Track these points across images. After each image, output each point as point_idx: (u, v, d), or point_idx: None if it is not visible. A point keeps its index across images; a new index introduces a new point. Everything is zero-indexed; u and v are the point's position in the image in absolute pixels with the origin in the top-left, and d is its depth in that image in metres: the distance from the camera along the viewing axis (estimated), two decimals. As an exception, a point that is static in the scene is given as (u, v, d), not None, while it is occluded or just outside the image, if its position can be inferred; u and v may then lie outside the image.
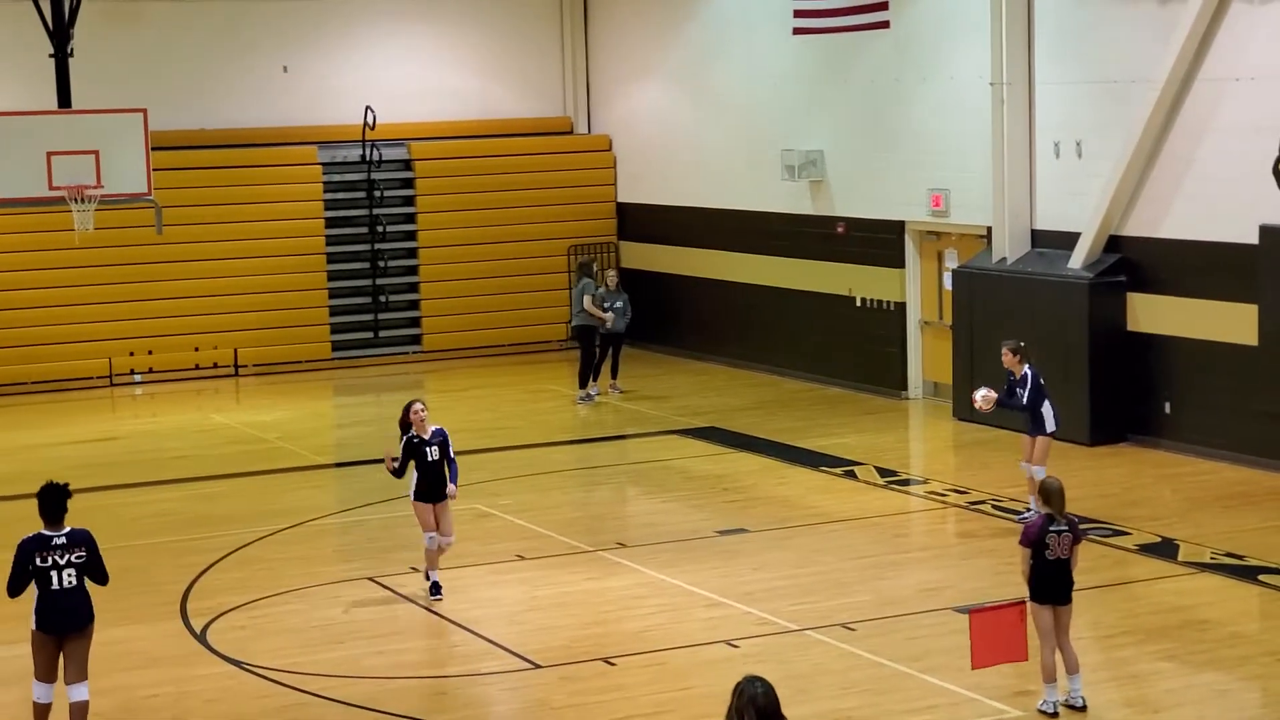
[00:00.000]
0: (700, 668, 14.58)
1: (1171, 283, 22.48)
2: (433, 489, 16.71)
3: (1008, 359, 19.05)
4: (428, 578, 16.84)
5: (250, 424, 26.37)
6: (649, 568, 17.72)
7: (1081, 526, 13.89)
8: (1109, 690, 13.85)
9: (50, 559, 12.82)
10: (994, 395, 19.02)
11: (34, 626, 12.93)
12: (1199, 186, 21.99)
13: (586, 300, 27.12)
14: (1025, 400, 18.83)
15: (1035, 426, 18.91)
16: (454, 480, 16.79)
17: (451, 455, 16.81)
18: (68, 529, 12.96)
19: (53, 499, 12.94)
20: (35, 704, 13.05)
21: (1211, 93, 21.69)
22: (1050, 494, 13.43)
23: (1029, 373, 18.92)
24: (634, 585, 17.19)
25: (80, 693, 12.96)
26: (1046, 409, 18.91)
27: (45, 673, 12.98)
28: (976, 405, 19.33)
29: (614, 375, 27.79)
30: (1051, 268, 23.59)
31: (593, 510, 20.91)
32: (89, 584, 13.09)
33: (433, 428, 16.73)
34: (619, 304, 27.41)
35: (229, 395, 29.48)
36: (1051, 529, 13.31)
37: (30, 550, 12.85)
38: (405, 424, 16.75)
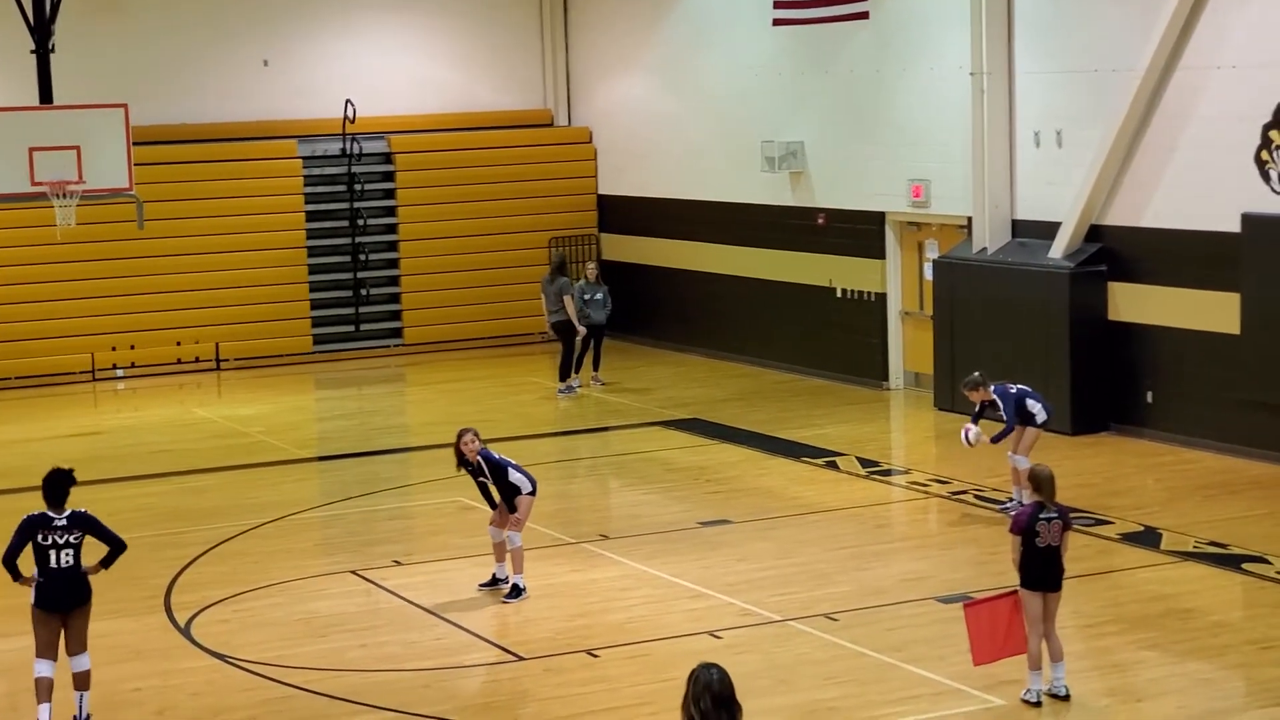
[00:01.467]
0: (684, 659, 14.55)
1: (1153, 272, 22.52)
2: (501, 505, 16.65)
3: (974, 396, 19.05)
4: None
5: (232, 418, 26.35)
6: (632, 559, 17.74)
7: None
8: (1092, 679, 13.88)
9: (50, 538, 13.34)
10: (982, 435, 19.00)
11: (33, 603, 13.38)
12: (1180, 175, 22.02)
13: (568, 302, 27.09)
14: (1007, 420, 18.83)
15: (1024, 419, 18.93)
16: (518, 491, 16.41)
17: (501, 478, 16.44)
18: (69, 511, 13.49)
19: (57, 484, 13.52)
20: (37, 679, 13.31)
21: (1193, 81, 21.73)
22: (1041, 481, 13.43)
23: (997, 395, 18.94)
24: (617, 577, 17.21)
25: (83, 663, 13.47)
26: (1032, 404, 18.92)
27: (47, 649, 13.36)
28: (967, 443, 19.17)
29: (595, 367, 27.79)
30: (1032, 257, 23.62)
31: (575, 502, 20.92)
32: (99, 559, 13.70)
33: (479, 453, 16.48)
34: (599, 296, 27.42)
35: (210, 389, 29.45)
36: (1041, 516, 13.33)
37: (34, 526, 13.40)
38: (458, 452, 16.59)
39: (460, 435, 16.54)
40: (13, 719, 13.82)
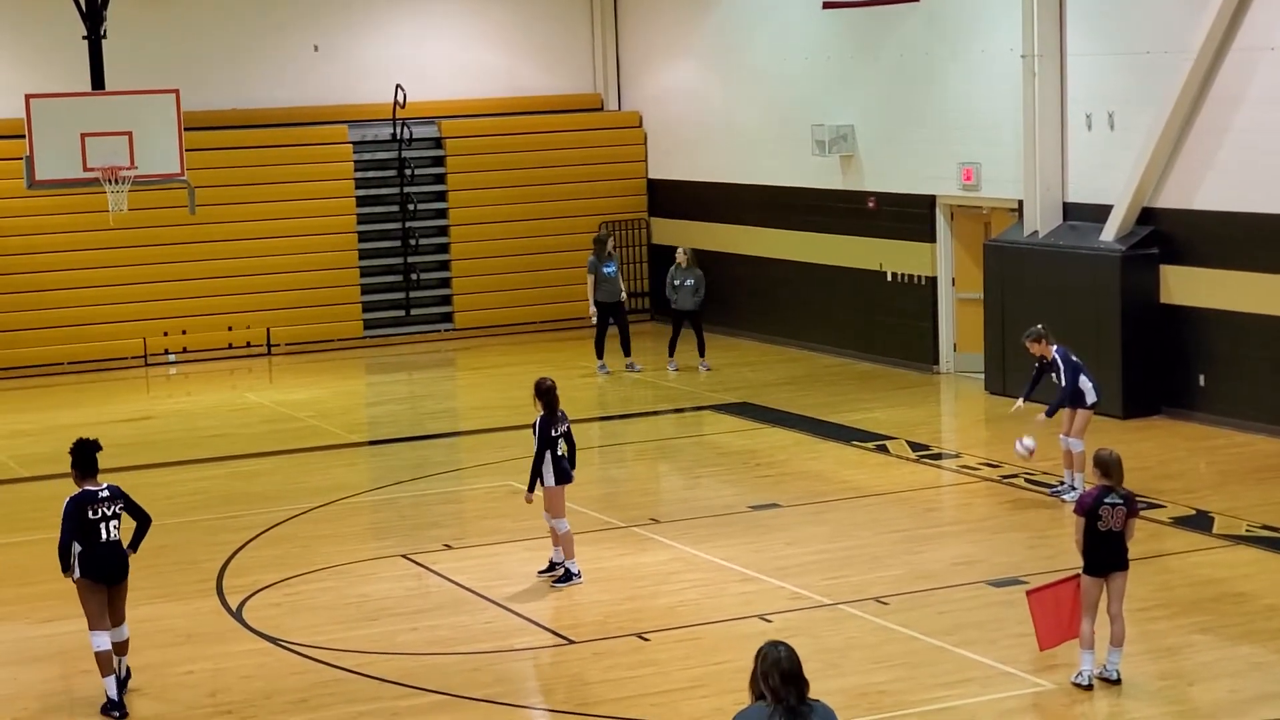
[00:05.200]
0: (734, 642, 14.59)
1: (1205, 254, 22.40)
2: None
3: (1035, 348, 18.94)
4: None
5: (283, 403, 26.45)
6: (682, 543, 17.74)
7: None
8: (1144, 663, 13.83)
9: (100, 511, 13.63)
10: (1033, 445, 18.75)
11: (80, 576, 13.61)
12: (1233, 157, 21.90)
13: (590, 279, 27.39)
14: (1065, 383, 18.72)
15: (1075, 400, 18.84)
16: (540, 477, 16.54)
17: (538, 453, 16.46)
18: (105, 484, 13.79)
19: (88, 452, 13.81)
20: (99, 654, 13.60)
21: (1245, 62, 21.59)
22: (1110, 466, 13.31)
23: (1058, 354, 18.83)
24: (667, 561, 17.22)
25: (123, 633, 13.84)
26: (1085, 382, 18.82)
27: (102, 620, 13.64)
28: (1021, 455, 18.92)
29: (701, 354, 27.60)
30: (1084, 240, 23.53)
31: (625, 486, 20.94)
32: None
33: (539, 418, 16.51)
34: (690, 282, 27.40)
35: (262, 374, 29.57)
36: (1106, 500, 13.24)
37: (83, 505, 13.63)
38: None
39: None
40: (68, 701, 13.93)
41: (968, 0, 25.66)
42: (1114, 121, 23.40)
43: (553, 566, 16.73)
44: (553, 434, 16.44)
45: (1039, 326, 19.19)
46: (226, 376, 29.19)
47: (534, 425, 16.50)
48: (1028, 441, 18.53)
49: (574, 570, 16.50)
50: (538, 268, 32.43)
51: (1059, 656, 13.58)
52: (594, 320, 27.60)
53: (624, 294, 27.95)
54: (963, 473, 20.68)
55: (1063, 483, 19.06)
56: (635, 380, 27.20)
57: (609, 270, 27.57)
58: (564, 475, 16.54)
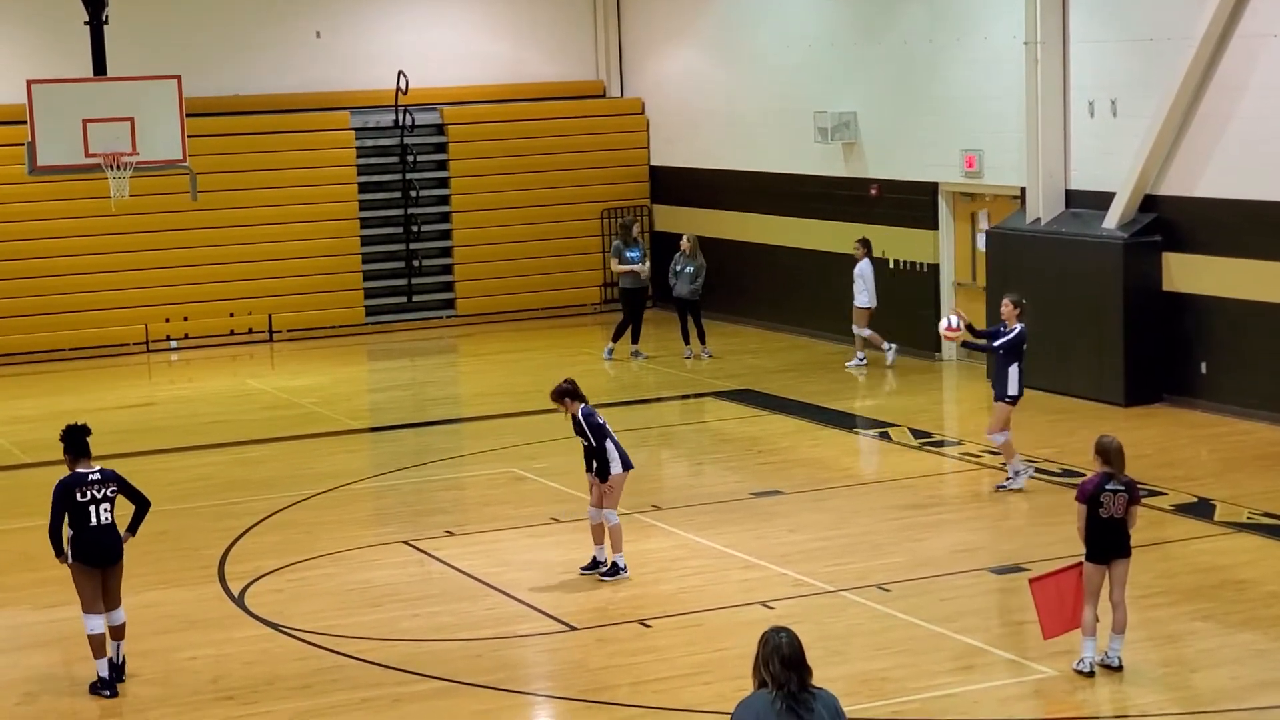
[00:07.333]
0: (736, 629, 14.60)
1: (1207, 242, 22.38)
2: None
3: (1006, 309, 18.83)
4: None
5: (285, 389, 26.45)
6: (684, 530, 17.75)
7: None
8: (1145, 650, 13.84)
9: (89, 494, 13.58)
10: (962, 324, 18.89)
11: (73, 560, 13.63)
12: (1235, 144, 21.87)
13: (613, 263, 27.40)
14: (998, 345, 18.66)
15: (998, 388, 18.77)
16: (608, 469, 16.17)
17: (599, 443, 16.06)
18: (97, 467, 13.75)
19: (78, 436, 13.78)
20: (92, 636, 13.65)
21: (1248, 50, 21.57)
22: (1110, 453, 13.30)
23: (1020, 329, 18.73)
24: (669, 547, 17.21)
25: (119, 616, 13.81)
26: (1014, 372, 18.70)
27: (95, 604, 13.67)
28: (943, 332, 19.17)
29: (686, 340, 27.66)
30: (1086, 228, 23.51)
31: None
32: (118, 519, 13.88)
33: (581, 411, 16.18)
34: (689, 269, 27.37)
35: (264, 360, 29.57)
36: (1107, 488, 13.24)
37: (71, 488, 13.59)
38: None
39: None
40: (70, 686, 13.93)
41: (970, -13, 25.65)
42: (1117, 108, 23.38)
43: (595, 563, 16.32)
44: (602, 420, 16.09)
45: (1023, 299, 19.01)
46: (228, 363, 29.19)
47: (579, 419, 16.00)
48: (952, 319, 18.91)
49: (621, 564, 16.21)
50: (540, 254, 32.42)
51: (1061, 644, 13.57)
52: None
53: (648, 281, 27.98)
54: (965, 460, 20.68)
55: (1008, 477, 18.94)
56: (638, 367, 27.20)
57: (633, 256, 27.59)
58: (627, 461, 16.22)
